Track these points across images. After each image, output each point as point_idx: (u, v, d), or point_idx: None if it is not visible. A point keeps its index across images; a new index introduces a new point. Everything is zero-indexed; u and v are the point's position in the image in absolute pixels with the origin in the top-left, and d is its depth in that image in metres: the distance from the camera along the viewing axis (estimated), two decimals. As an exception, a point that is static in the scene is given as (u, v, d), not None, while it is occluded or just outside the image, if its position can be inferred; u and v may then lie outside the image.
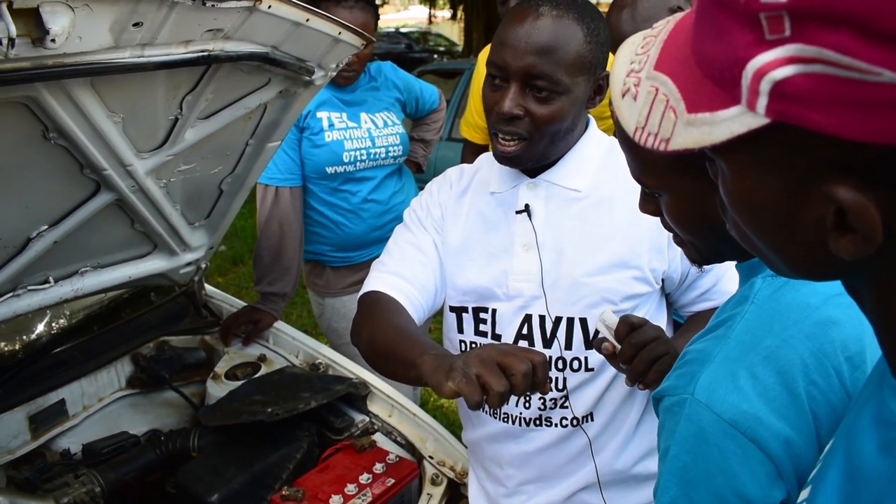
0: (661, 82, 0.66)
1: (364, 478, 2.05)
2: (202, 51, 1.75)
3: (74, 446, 2.39)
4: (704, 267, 1.64)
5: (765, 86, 0.54)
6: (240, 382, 2.55)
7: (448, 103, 5.26)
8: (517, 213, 1.67)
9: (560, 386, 1.67)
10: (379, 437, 2.32)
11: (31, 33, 1.36)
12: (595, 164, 1.68)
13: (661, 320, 1.73)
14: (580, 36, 1.51)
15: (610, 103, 2.98)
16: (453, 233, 1.75)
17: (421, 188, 1.93)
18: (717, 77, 0.58)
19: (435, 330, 4.35)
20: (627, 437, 1.71)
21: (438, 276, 1.74)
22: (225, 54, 1.80)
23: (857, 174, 0.54)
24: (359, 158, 2.93)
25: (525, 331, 1.68)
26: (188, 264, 2.66)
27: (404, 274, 1.70)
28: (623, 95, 0.73)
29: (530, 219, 1.66)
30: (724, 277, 1.71)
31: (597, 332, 1.60)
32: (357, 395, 2.42)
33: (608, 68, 1.62)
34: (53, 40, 1.38)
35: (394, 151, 3.03)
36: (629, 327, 1.46)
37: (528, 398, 1.69)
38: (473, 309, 1.73)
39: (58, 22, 1.36)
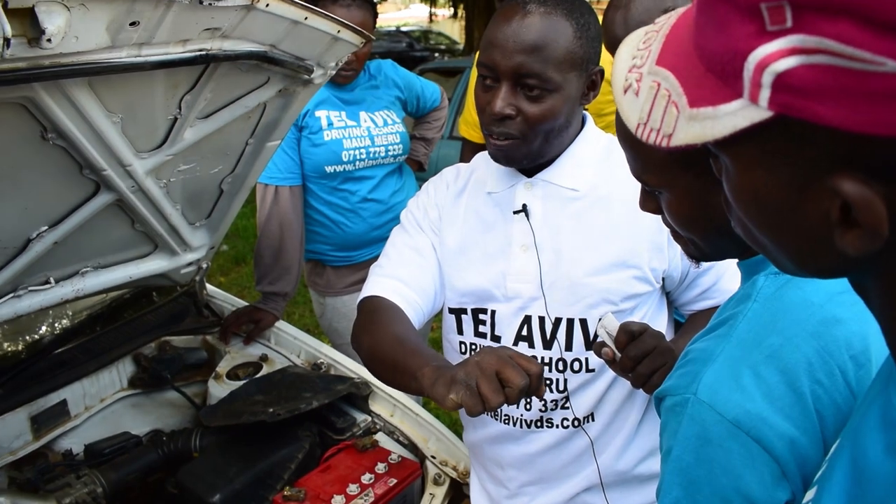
0: (663, 77, 0.65)
1: (366, 478, 2.04)
2: (200, 50, 1.74)
3: (76, 447, 2.39)
4: (703, 264, 1.63)
5: (767, 78, 0.53)
6: (241, 382, 2.54)
7: (449, 102, 5.26)
8: (514, 213, 1.66)
9: (561, 387, 1.66)
10: (381, 437, 2.32)
11: (26, 33, 1.35)
12: (593, 163, 1.66)
13: (661, 319, 1.73)
14: (569, 32, 1.49)
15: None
16: (451, 234, 1.73)
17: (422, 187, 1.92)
18: (719, 70, 0.58)
19: (436, 329, 4.34)
20: (629, 438, 1.70)
21: (437, 279, 1.73)
22: (223, 53, 1.79)
23: (862, 167, 0.53)
24: (358, 157, 2.92)
25: (525, 332, 1.66)
26: (189, 264, 2.65)
27: (403, 277, 1.69)
28: (625, 91, 0.72)
29: (528, 219, 1.65)
30: (725, 276, 1.70)
31: (596, 334, 1.59)
32: (359, 394, 2.41)
33: (602, 63, 1.62)
34: (49, 40, 1.37)
35: (394, 150, 3.02)
36: (629, 336, 1.46)
37: (528, 400, 1.68)
38: (472, 310, 1.71)
39: (54, 21, 1.35)
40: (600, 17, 1.62)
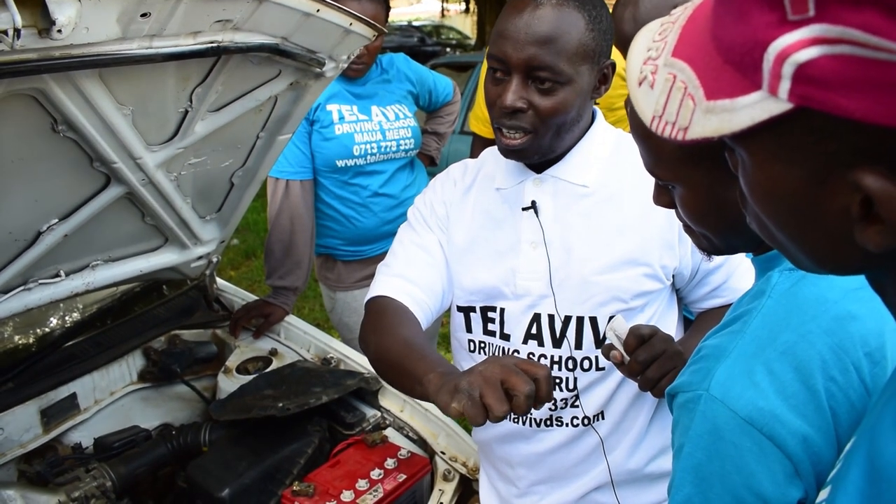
0: (679, 69, 0.64)
1: (375, 473, 2.04)
2: (211, 42, 1.73)
3: (86, 440, 2.40)
4: (714, 260, 1.62)
5: (787, 69, 0.51)
6: (251, 377, 2.54)
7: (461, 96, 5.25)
8: (524, 209, 1.64)
9: (570, 386, 1.65)
10: (390, 433, 2.31)
11: (37, 24, 1.35)
12: (603, 159, 1.64)
13: (671, 317, 1.71)
14: (582, 24, 1.47)
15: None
16: (459, 231, 1.72)
17: (433, 181, 1.91)
18: (738, 62, 0.56)
19: (446, 324, 4.34)
20: (640, 436, 1.69)
21: (445, 277, 1.71)
22: (234, 46, 1.79)
23: (884, 161, 0.51)
24: (369, 152, 2.91)
25: (534, 330, 1.65)
26: (200, 258, 2.65)
27: (411, 277, 1.67)
28: (640, 84, 0.70)
29: (537, 216, 1.63)
30: (735, 274, 1.68)
31: (605, 336, 1.58)
32: (369, 389, 2.41)
33: (613, 57, 1.60)
34: (60, 31, 1.37)
35: (405, 145, 3.01)
36: (638, 340, 1.46)
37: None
38: (481, 308, 1.70)
39: (64, 12, 1.35)
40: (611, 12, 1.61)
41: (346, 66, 2.16)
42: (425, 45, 21.45)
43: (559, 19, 1.45)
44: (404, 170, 3.09)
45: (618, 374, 1.62)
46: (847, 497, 0.68)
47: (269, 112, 2.21)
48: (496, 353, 1.69)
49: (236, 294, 3.00)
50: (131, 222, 2.29)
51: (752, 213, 0.68)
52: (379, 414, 2.39)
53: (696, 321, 1.76)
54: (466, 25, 28.55)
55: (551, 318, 1.63)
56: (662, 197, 1.16)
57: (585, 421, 1.67)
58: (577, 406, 1.66)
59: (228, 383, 2.55)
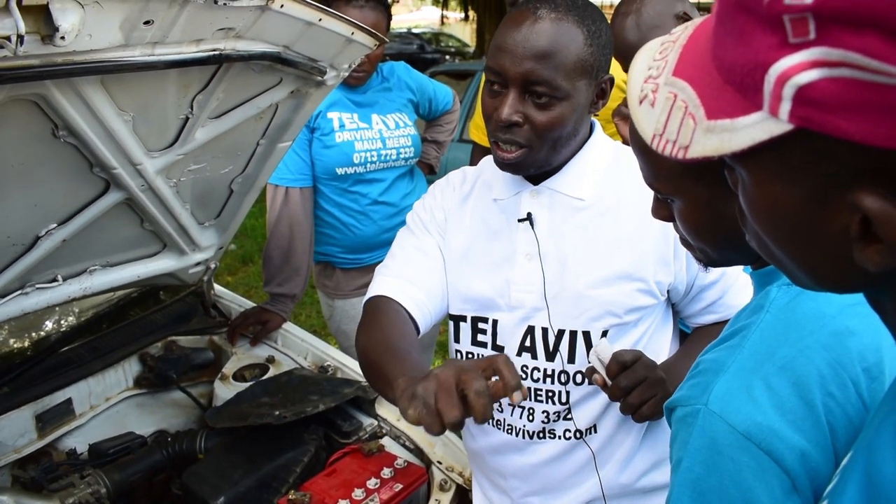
0: (680, 88, 0.64)
1: (372, 482, 2.03)
2: (213, 50, 1.74)
3: (81, 446, 2.39)
4: (709, 276, 1.63)
5: (788, 91, 0.52)
6: (248, 384, 2.54)
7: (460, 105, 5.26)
8: (519, 221, 1.64)
9: (563, 399, 1.65)
10: (387, 442, 2.31)
11: (40, 30, 1.35)
12: (600, 172, 1.64)
13: (665, 332, 1.71)
14: (580, 39, 1.46)
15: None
16: (456, 239, 1.71)
17: (432, 190, 1.91)
18: (738, 82, 0.57)
19: (444, 332, 4.34)
20: (632, 451, 1.68)
21: (444, 280, 1.71)
22: (236, 53, 1.79)
23: (883, 182, 0.52)
24: (369, 160, 2.92)
25: (528, 343, 1.64)
26: (197, 264, 2.65)
27: (410, 277, 1.66)
28: (640, 102, 0.71)
29: (533, 228, 1.62)
30: (731, 290, 1.67)
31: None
32: (366, 398, 2.41)
33: (611, 71, 1.60)
34: (63, 38, 1.37)
35: (405, 153, 3.02)
36: (620, 366, 1.48)
37: (531, 410, 1.66)
38: (472, 318, 1.69)
39: (68, 19, 1.35)
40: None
41: (347, 74, 2.16)
42: (424, 52, 21.50)
43: (558, 34, 1.45)
44: (404, 178, 3.09)
45: None
46: (844, 511, 0.69)
47: (269, 119, 2.21)
48: None
49: (234, 300, 3.00)
50: (130, 228, 2.29)
51: (751, 230, 0.69)
52: (376, 423, 2.39)
53: (688, 340, 1.75)
54: (466, 33, 28.61)
55: (545, 331, 1.62)
56: (661, 210, 1.17)
57: (578, 434, 1.66)
58: (570, 419, 1.66)
59: (225, 390, 2.54)
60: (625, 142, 2.13)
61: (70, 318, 2.72)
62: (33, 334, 2.63)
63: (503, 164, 1.56)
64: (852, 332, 0.98)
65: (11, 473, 2.18)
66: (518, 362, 1.65)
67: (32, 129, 1.71)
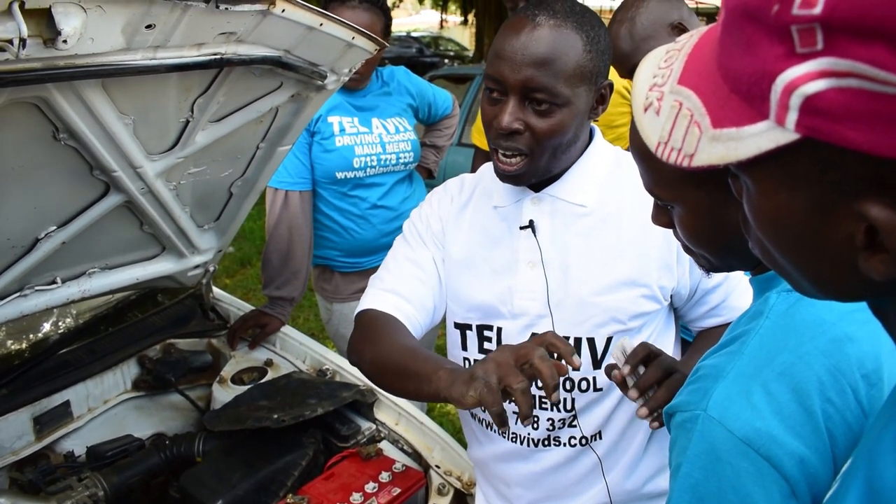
0: (685, 97, 0.65)
1: (370, 486, 2.04)
2: (214, 54, 1.74)
3: (78, 448, 2.39)
4: (712, 279, 1.62)
5: (795, 100, 0.52)
6: (246, 387, 2.54)
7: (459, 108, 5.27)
8: (521, 228, 1.63)
9: (568, 406, 1.64)
10: (385, 446, 2.31)
11: (42, 34, 1.35)
12: (601, 178, 1.64)
13: (668, 337, 1.71)
14: (579, 46, 1.46)
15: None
16: (455, 248, 1.71)
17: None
18: (745, 91, 0.57)
19: (442, 336, 4.34)
20: (637, 456, 1.68)
21: (437, 293, 1.71)
22: (237, 58, 1.79)
23: (890, 191, 0.52)
24: (369, 164, 2.92)
25: None
26: (196, 267, 2.65)
27: (402, 292, 1.67)
28: (645, 110, 0.71)
29: (535, 235, 1.62)
30: (734, 293, 1.68)
31: (602, 356, 1.59)
32: (364, 402, 2.41)
33: (610, 76, 1.60)
34: (65, 41, 1.37)
35: (404, 157, 3.02)
36: (646, 352, 1.44)
37: (536, 418, 1.66)
38: (477, 326, 1.69)
39: (70, 23, 1.35)
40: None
41: (347, 79, 2.16)
42: (423, 55, 21.53)
43: (557, 41, 1.44)
44: (403, 182, 3.09)
45: (616, 395, 1.62)
46: (845, 519, 0.69)
47: (269, 123, 2.21)
48: None
49: (232, 303, 3.00)
50: (129, 230, 2.29)
51: (754, 238, 0.69)
52: (374, 427, 2.39)
53: (695, 343, 1.75)
54: (465, 37, 28.64)
55: None
56: (661, 217, 1.17)
57: (583, 441, 1.66)
58: (575, 426, 1.65)
59: (223, 393, 2.54)
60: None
61: (68, 321, 2.71)
62: (31, 336, 2.62)
63: (504, 177, 1.56)
64: (851, 338, 0.98)
65: (9, 476, 2.18)
66: None
67: (33, 132, 1.72)
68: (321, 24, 1.84)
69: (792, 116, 0.53)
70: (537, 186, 1.64)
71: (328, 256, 3.10)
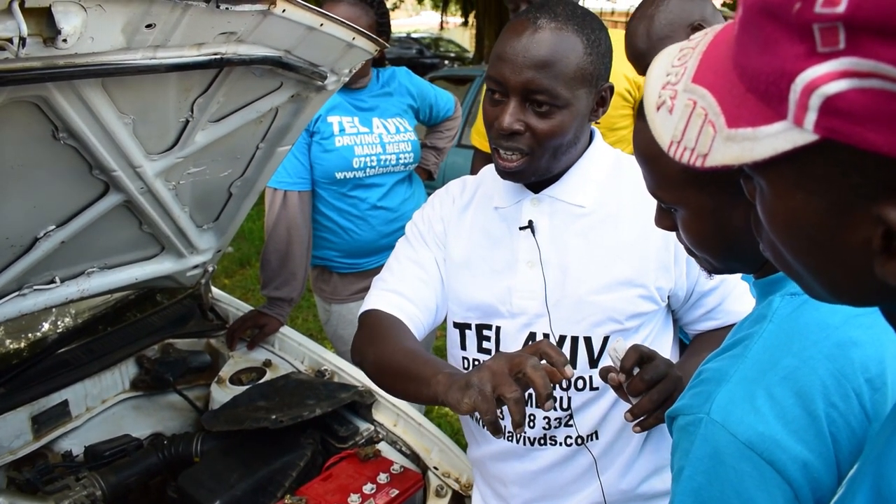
0: (700, 95, 0.64)
1: (368, 487, 2.03)
2: (215, 54, 1.74)
3: (76, 448, 2.39)
4: (709, 282, 1.63)
5: (815, 101, 0.51)
6: (244, 387, 2.53)
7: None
8: (521, 228, 1.65)
9: (564, 405, 1.65)
10: (383, 447, 2.30)
11: (42, 33, 1.35)
12: (600, 179, 1.65)
13: (666, 338, 1.72)
14: (580, 48, 1.48)
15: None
16: (456, 248, 1.73)
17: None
18: (762, 91, 0.56)
19: (441, 337, 4.34)
20: (633, 457, 1.69)
21: (440, 294, 1.73)
22: (238, 58, 1.79)
23: None
24: (369, 164, 2.91)
25: None
26: (195, 267, 2.65)
27: (405, 292, 1.69)
28: (658, 108, 0.70)
29: (534, 235, 1.64)
30: (730, 297, 1.68)
31: (597, 357, 1.59)
32: (362, 403, 2.40)
33: (613, 78, 1.61)
34: (65, 40, 1.36)
35: (404, 158, 3.01)
36: (639, 355, 1.44)
37: (532, 417, 1.66)
38: (477, 326, 1.71)
39: (70, 22, 1.35)
40: (610, 32, 1.61)
41: (347, 79, 2.16)
42: (424, 57, 21.53)
43: (558, 43, 1.46)
44: (402, 183, 3.09)
45: (612, 395, 1.62)
46: (852, 524, 0.68)
47: (269, 123, 2.21)
48: None
49: (231, 304, 2.99)
50: (128, 230, 2.29)
51: (767, 241, 0.68)
52: (372, 428, 2.38)
53: (691, 345, 1.76)
54: (465, 38, 28.64)
55: (546, 337, 1.63)
56: (664, 220, 1.16)
57: (579, 440, 1.67)
58: (571, 425, 1.66)
59: (221, 394, 2.53)
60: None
61: (67, 320, 2.71)
62: (30, 335, 2.62)
63: (504, 173, 1.58)
64: (855, 342, 0.98)
65: (7, 475, 2.18)
66: None
67: (33, 131, 1.71)
68: (321, 25, 1.84)
69: (811, 117, 0.52)
70: (537, 187, 1.65)
71: (327, 257, 3.10)
